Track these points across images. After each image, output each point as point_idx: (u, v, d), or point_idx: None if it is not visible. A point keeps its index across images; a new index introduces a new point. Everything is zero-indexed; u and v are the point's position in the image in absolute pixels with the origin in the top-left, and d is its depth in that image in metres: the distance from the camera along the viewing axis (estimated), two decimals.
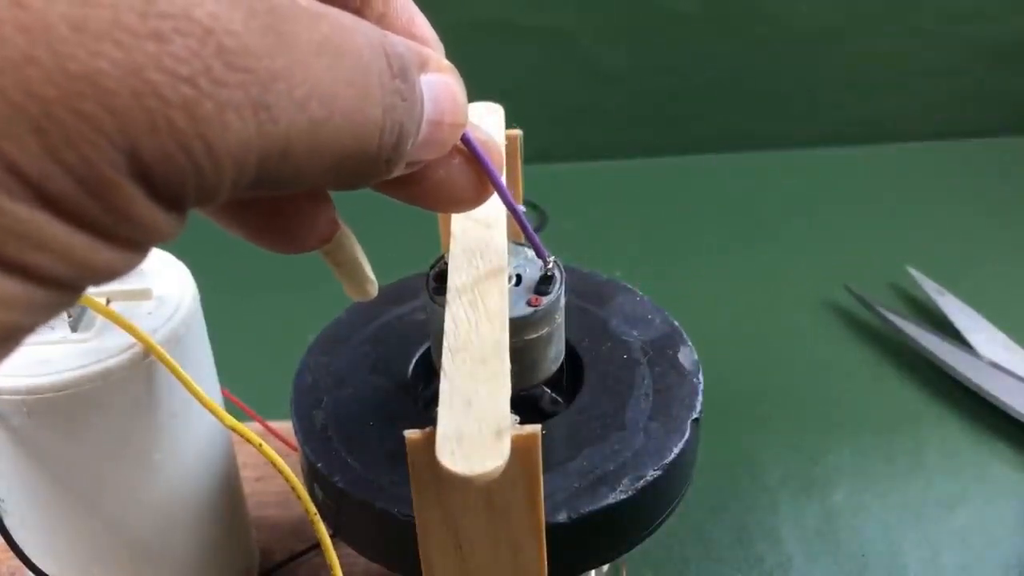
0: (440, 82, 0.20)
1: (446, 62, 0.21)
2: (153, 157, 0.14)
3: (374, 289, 0.27)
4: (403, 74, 0.19)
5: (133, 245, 0.15)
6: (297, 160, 0.17)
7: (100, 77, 0.14)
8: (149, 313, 0.30)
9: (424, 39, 0.23)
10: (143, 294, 0.31)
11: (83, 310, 0.30)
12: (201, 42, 0.15)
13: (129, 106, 0.14)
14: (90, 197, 0.14)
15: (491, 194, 0.24)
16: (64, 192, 0.14)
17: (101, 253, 0.15)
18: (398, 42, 0.19)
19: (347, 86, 0.17)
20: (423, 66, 0.20)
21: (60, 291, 0.15)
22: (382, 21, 0.22)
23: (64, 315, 0.30)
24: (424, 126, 0.20)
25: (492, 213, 0.28)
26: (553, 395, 0.33)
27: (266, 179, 0.16)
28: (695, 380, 0.32)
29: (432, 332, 0.29)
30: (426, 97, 0.20)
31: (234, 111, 0.15)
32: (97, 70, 0.14)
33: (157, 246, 0.16)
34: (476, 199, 0.24)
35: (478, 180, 0.23)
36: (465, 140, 0.23)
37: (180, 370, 0.30)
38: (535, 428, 0.22)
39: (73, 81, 0.13)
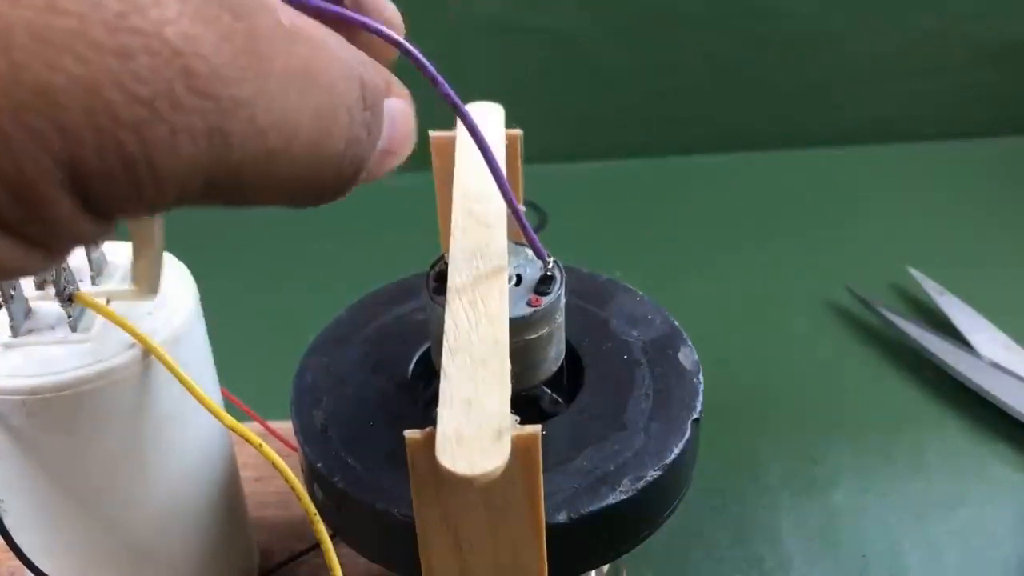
0: (400, 110, 0.19)
1: (404, 88, 0.20)
2: (94, 174, 0.14)
3: (156, 289, 0.26)
4: (374, 106, 0.18)
5: (54, 250, 0.15)
6: (246, 185, 0.16)
7: (54, 92, 0.13)
8: (149, 313, 0.30)
9: (390, 19, 0.22)
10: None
11: (83, 310, 0.30)
12: (167, 63, 0.14)
13: (79, 124, 0.13)
14: (19, 205, 0.14)
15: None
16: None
17: (17, 255, 0.14)
18: (372, 70, 0.18)
19: (314, 117, 0.16)
20: (387, 91, 0.19)
21: None
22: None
23: (64, 315, 0.30)
24: (376, 154, 0.19)
25: (492, 213, 0.28)
26: (553, 395, 0.33)
27: (209, 197, 0.16)
28: (695, 380, 0.32)
29: (432, 332, 0.29)
30: (385, 124, 0.19)
31: (187, 135, 0.14)
32: (51, 84, 0.13)
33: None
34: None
35: None
36: (470, 127, 0.22)
37: (180, 370, 0.29)
38: (535, 428, 0.22)
39: (25, 93, 0.13)
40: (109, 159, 0.14)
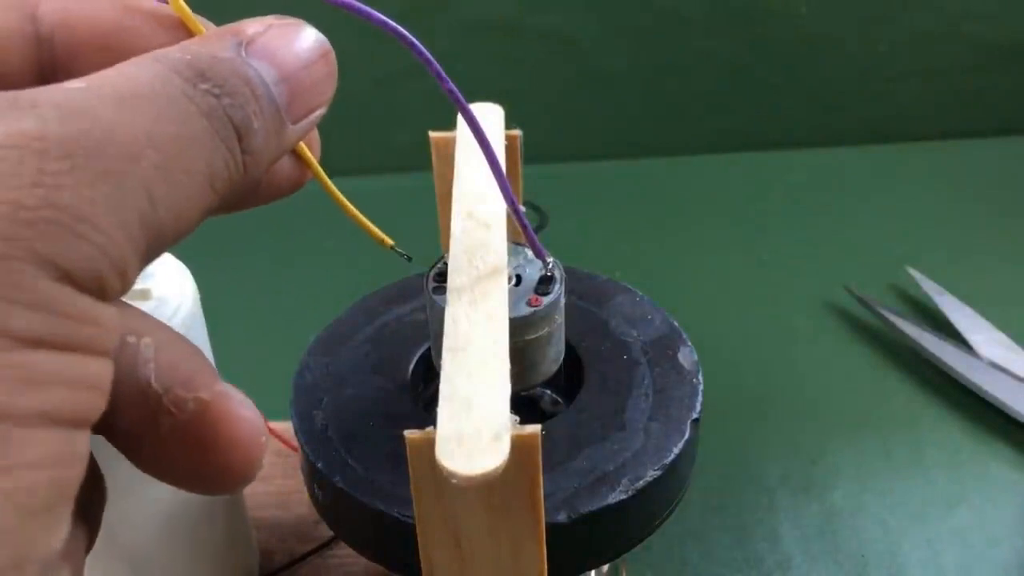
0: (265, 43, 0.19)
1: (268, 18, 0.19)
2: (67, 261, 0.15)
3: None
4: (199, 75, 0.17)
5: (100, 349, 0.15)
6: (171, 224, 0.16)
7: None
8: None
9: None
10: (143, 295, 0.31)
11: None
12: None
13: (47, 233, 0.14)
14: (45, 317, 0.14)
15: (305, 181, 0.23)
16: (28, 325, 0.14)
17: (88, 366, 0.15)
18: (176, 56, 0.18)
19: (172, 141, 0.16)
20: (240, 46, 0.18)
21: (75, 426, 0.15)
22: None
23: None
24: (276, 90, 0.18)
25: (492, 213, 0.28)
26: (553, 395, 0.33)
27: (158, 247, 0.17)
28: (695, 380, 0.32)
29: (432, 332, 0.29)
30: (259, 64, 0.18)
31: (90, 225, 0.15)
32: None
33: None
34: (292, 188, 0.23)
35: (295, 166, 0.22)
36: (471, 124, 0.22)
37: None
38: (535, 428, 0.22)
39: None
40: (74, 246, 0.15)
